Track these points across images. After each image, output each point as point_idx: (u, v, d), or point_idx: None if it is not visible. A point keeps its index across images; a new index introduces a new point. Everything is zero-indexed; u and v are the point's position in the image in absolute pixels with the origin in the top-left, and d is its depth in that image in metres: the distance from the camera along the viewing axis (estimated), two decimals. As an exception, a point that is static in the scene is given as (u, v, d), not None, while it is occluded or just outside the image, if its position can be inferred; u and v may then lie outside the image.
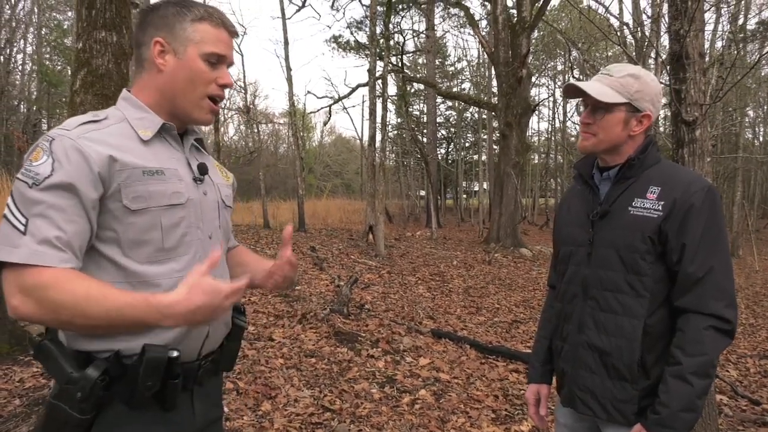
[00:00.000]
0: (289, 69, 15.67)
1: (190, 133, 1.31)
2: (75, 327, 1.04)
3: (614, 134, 1.53)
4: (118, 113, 1.20)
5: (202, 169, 1.27)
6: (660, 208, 1.45)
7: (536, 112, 23.74)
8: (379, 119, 12.11)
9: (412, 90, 28.22)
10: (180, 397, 1.16)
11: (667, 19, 3.07)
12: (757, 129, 28.60)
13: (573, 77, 26.72)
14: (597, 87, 1.52)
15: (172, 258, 1.16)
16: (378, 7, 12.14)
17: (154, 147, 1.19)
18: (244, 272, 1.46)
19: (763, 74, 20.52)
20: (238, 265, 1.48)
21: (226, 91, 1.29)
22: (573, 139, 27.68)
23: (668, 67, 2.95)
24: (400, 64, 19.86)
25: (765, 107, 25.19)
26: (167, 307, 1.00)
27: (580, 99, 1.59)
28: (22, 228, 1.00)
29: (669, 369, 1.41)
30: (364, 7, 20.78)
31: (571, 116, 29.22)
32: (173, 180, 1.17)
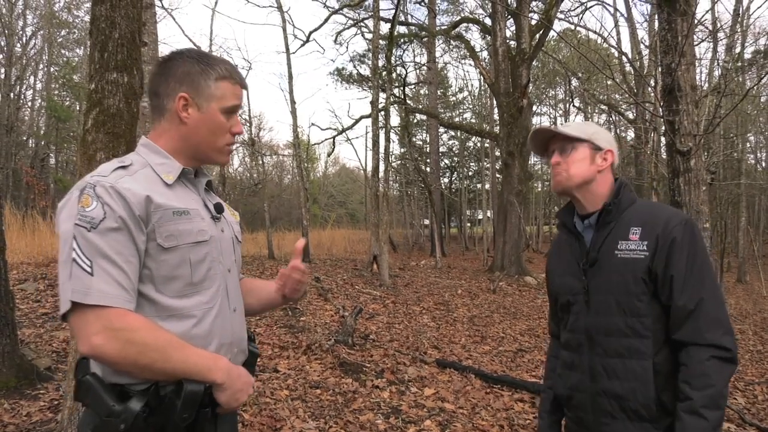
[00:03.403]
0: (293, 102, 15.91)
1: (202, 176, 1.41)
2: (149, 370, 1.13)
3: (583, 169, 1.62)
4: (141, 159, 1.29)
5: (219, 209, 1.38)
6: (645, 248, 1.50)
7: (538, 140, 23.86)
8: (382, 150, 12.25)
9: (415, 120, 28.55)
10: (207, 425, 1.23)
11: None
12: (759, 154, 28.71)
13: (574, 106, 27.02)
14: (561, 127, 1.66)
15: (199, 291, 1.26)
16: (380, 41, 12.41)
17: (177, 190, 1.29)
18: (257, 298, 1.57)
19: (763, 100, 20.68)
20: (248, 291, 1.56)
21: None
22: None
23: (662, 102, 3.03)
24: (402, 96, 20.13)
25: (766, 133, 25.30)
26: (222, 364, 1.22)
27: (545, 154, 1.72)
28: (89, 269, 1.10)
29: (681, 405, 1.41)
30: (367, 41, 21.26)
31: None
32: (197, 219, 1.28)
